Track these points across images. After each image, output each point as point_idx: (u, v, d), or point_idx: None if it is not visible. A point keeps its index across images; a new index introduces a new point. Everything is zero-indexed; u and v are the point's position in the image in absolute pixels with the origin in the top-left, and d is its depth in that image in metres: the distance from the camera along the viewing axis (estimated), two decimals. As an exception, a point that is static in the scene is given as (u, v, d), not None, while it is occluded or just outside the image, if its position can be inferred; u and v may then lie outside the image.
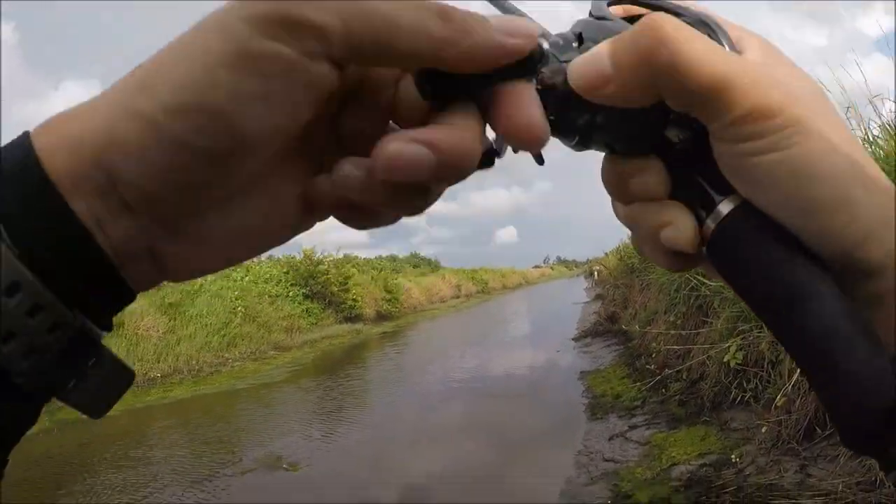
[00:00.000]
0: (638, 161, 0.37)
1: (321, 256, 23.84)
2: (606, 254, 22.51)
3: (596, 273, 34.22)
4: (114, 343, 14.56)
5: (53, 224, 0.26)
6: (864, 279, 0.31)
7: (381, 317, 27.17)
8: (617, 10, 0.39)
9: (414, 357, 16.88)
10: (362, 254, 34.11)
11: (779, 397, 4.26)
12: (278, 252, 24.63)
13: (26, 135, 0.27)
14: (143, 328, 15.52)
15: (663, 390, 6.64)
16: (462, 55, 0.29)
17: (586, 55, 0.34)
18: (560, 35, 0.37)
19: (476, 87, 0.31)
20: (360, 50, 0.27)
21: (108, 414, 0.39)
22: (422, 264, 49.84)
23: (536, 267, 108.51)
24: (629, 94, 0.32)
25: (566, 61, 0.35)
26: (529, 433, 6.90)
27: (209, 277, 20.42)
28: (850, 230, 0.30)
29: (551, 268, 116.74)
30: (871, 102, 4.20)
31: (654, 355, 7.92)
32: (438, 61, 0.29)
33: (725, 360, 5.21)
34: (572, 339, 14.38)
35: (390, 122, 0.34)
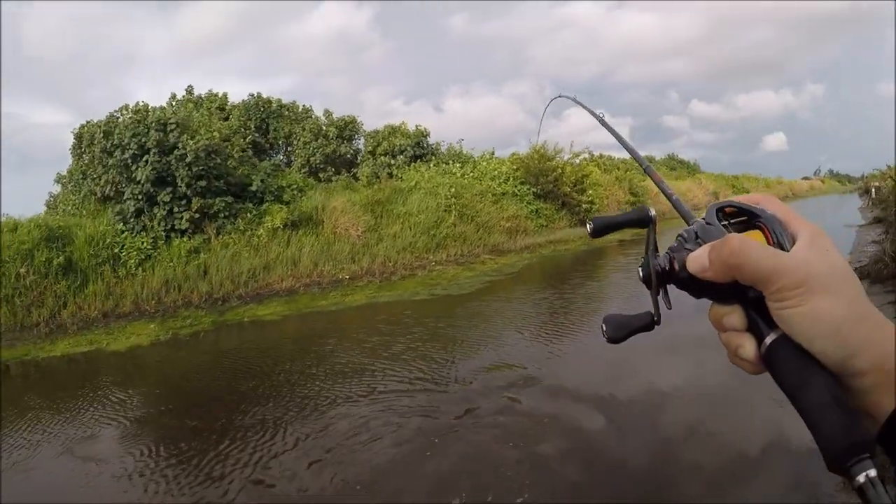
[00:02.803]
0: (728, 307, 0.62)
1: (552, 152, 20.92)
2: (889, 167, 16.25)
3: (874, 190, 27.78)
4: (308, 242, 13.77)
5: None
6: (858, 377, 0.55)
7: (624, 222, 23.71)
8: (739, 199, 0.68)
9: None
10: (617, 154, 30.36)
11: None
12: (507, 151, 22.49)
13: None
14: (340, 227, 14.53)
15: None
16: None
17: (697, 253, 0.62)
18: (687, 231, 0.67)
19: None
20: None
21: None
22: (679, 167, 44.63)
23: (805, 178, 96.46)
24: (718, 278, 0.60)
25: (690, 249, 0.64)
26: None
27: (427, 174, 19.00)
28: (840, 350, 0.54)
29: (822, 181, 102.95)
30: None
31: None
32: None
33: None
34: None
35: None
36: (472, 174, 19.99)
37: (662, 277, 0.68)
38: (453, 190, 17.29)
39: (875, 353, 0.54)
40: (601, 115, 1.40)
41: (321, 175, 21.10)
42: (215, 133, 15.39)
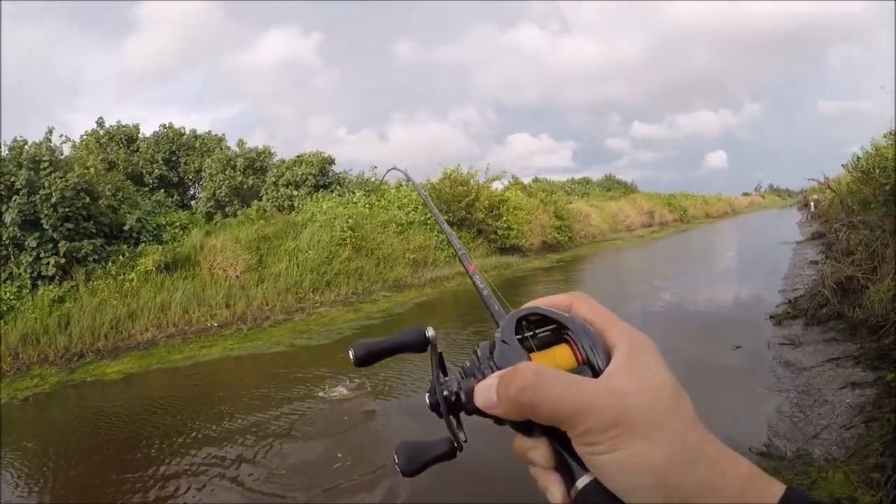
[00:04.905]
0: (533, 440, 0.53)
1: (465, 176, 20.33)
2: (826, 178, 15.71)
3: (812, 204, 28.02)
4: (181, 286, 12.94)
5: None
6: None
7: (547, 247, 23.56)
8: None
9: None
10: (555, 177, 30.39)
11: None
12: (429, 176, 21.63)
13: None
14: (217, 267, 13.70)
15: None
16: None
17: (484, 384, 0.53)
18: (482, 347, 0.58)
19: None
20: None
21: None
22: (615, 188, 44.72)
23: (746, 194, 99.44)
24: (509, 416, 0.51)
25: (481, 374, 0.56)
26: None
27: (325, 205, 18.19)
28: (670, 500, 0.44)
29: (762, 196, 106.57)
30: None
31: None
32: None
33: None
34: (770, 318, 9.55)
35: None
36: (378, 203, 19.27)
37: (452, 406, 0.58)
38: (350, 221, 16.49)
39: (711, 498, 0.44)
40: (426, 195, 1.42)
41: (227, 209, 20.20)
42: (90, 169, 14.49)
